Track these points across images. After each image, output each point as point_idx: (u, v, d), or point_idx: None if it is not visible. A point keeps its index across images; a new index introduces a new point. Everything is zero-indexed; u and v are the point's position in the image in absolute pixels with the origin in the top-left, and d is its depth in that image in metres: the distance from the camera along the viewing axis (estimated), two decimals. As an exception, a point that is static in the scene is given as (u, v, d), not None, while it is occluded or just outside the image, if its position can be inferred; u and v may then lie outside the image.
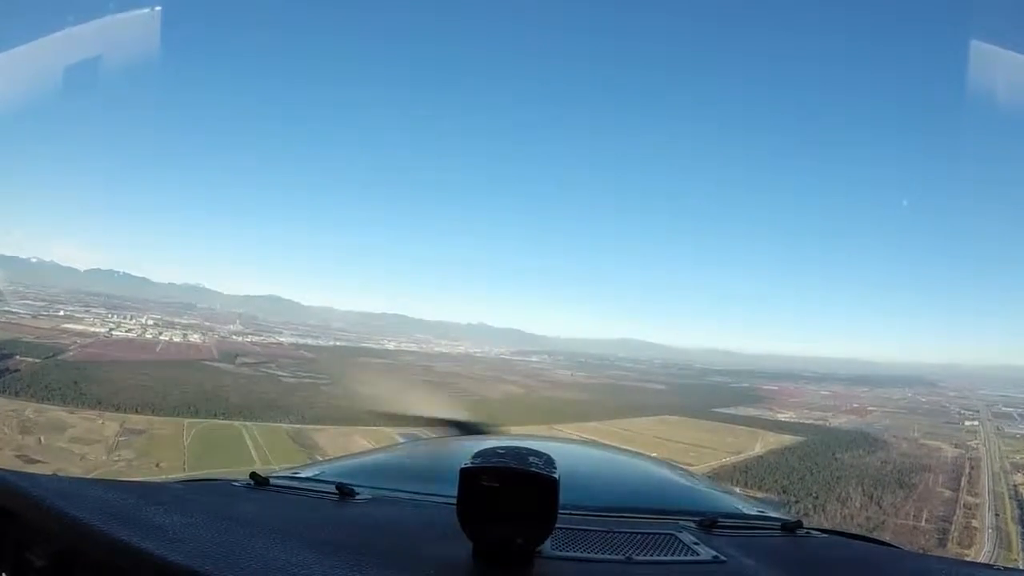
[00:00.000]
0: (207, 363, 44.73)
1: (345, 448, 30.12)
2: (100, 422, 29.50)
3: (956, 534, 27.10)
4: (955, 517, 29.11)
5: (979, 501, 32.26)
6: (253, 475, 1.73)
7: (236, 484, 1.71)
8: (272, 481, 1.75)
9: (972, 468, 38.27)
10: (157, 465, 24.65)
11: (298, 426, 31.79)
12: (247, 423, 30.98)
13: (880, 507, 28.76)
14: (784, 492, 28.65)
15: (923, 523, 28.11)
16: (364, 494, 1.63)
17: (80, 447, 26.21)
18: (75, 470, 23.35)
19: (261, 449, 27.82)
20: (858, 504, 28.40)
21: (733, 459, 33.65)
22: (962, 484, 35.04)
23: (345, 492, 1.62)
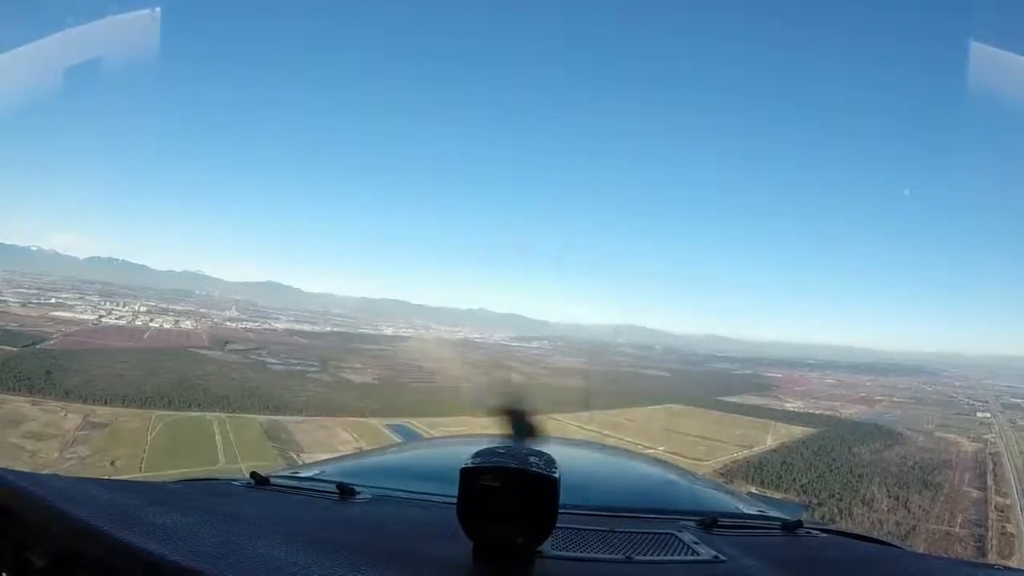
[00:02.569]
0: (195, 350, 41.55)
1: (324, 442, 27.13)
2: (63, 414, 26.40)
3: (994, 541, 23.80)
4: (988, 521, 25.82)
5: (1009, 502, 29.09)
6: (253, 474, 1.66)
7: (236, 484, 1.65)
8: (272, 480, 1.66)
9: (995, 464, 35.11)
10: (112, 463, 21.52)
11: (276, 417, 28.57)
12: (222, 415, 27.79)
13: (908, 510, 25.48)
14: (804, 492, 25.39)
15: (957, 528, 24.81)
16: (364, 494, 1.55)
17: (33, 443, 23.09)
18: (20, 469, 20.25)
19: (230, 445, 24.62)
20: (885, 507, 25.11)
21: (745, 453, 30.31)
22: (988, 483, 31.88)
23: (345, 492, 1.53)
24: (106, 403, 28.27)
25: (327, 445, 24.86)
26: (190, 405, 28.59)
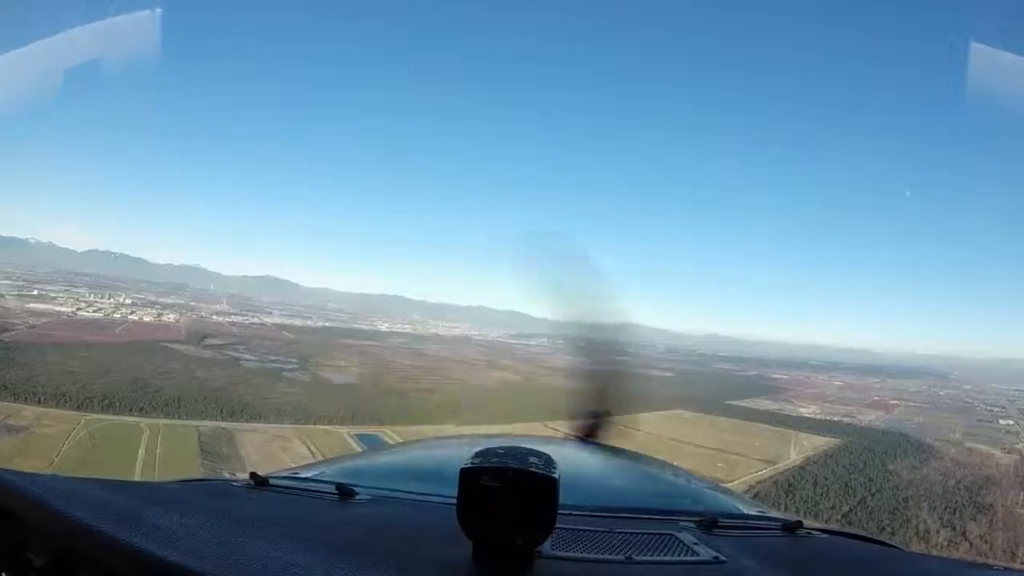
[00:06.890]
0: (167, 345, 36.73)
1: (273, 457, 22.06)
2: (-20, 416, 21.70)
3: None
4: (1062, 554, 20.85)
5: (1074, 526, 24.17)
6: (253, 475, 1.59)
7: (236, 484, 1.59)
8: (272, 481, 1.59)
9: (1041, 479, 30.31)
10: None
11: (226, 424, 23.68)
12: (161, 420, 23.01)
13: (969, 542, 20.45)
14: (849, 523, 20.35)
15: (1033, 567, 19.76)
16: (364, 494, 1.48)
17: (-75, 451, 18.40)
18: None
19: (152, 459, 19.85)
20: (943, 538, 20.11)
21: (769, 471, 25.20)
22: (1042, 502, 27.01)
23: (345, 492, 1.47)
24: (39, 403, 23.53)
25: (276, 460, 20.04)
26: (131, 408, 23.79)
